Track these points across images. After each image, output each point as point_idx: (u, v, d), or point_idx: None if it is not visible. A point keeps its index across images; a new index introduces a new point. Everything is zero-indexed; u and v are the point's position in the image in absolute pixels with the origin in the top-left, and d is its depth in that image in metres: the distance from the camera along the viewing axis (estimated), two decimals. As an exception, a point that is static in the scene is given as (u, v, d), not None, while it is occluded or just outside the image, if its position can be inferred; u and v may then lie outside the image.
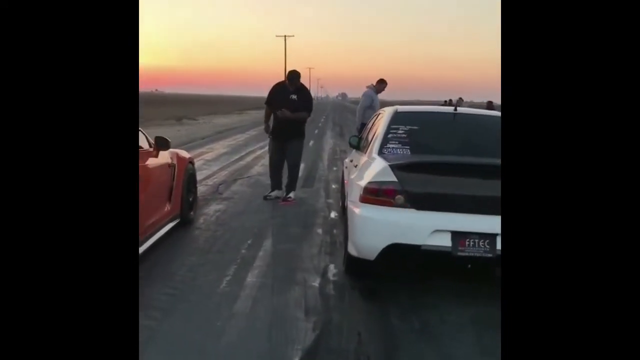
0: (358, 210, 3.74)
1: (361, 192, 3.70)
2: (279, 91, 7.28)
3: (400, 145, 4.11)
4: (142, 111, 23.10)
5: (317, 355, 3.02)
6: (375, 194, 3.60)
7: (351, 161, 5.28)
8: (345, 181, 5.90)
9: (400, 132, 4.21)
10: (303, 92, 7.27)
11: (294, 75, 7.21)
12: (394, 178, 3.56)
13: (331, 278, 4.26)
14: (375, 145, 4.19)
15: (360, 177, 3.98)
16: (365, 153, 4.49)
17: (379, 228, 3.59)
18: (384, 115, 4.55)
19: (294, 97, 7.12)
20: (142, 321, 3.32)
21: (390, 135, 4.18)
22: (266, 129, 7.58)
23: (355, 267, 4.03)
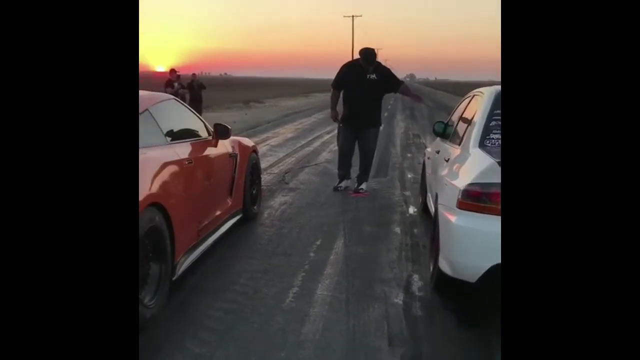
0: (455, 219, 2.99)
1: (459, 196, 2.94)
2: (351, 71, 6.41)
3: (507, 136, 3.32)
4: (212, 94, 23.10)
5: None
6: (478, 199, 2.83)
7: (437, 152, 4.50)
8: (428, 173, 5.16)
9: None
10: (381, 69, 6.40)
11: (369, 54, 6.29)
12: None
13: (417, 293, 3.57)
14: (474, 135, 3.38)
15: (455, 176, 3.22)
16: (459, 144, 3.70)
17: (483, 243, 2.81)
18: (482, 98, 3.72)
19: (372, 76, 6.26)
20: (192, 347, 2.79)
21: (493, 123, 3.37)
22: (334, 117, 6.74)
23: (448, 287, 3.29)
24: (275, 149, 10.41)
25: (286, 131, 14.21)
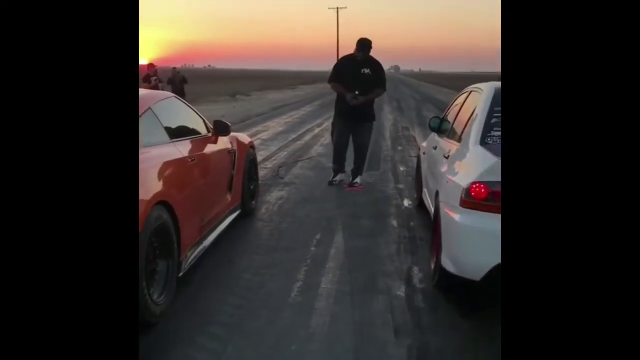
0: (458, 217, 3.02)
1: (462, 194, 2.97)
2: (347, 66, 6.50)
3: (509, 133, 3.37)
4: (196, 87, 22.94)
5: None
6: (482, 198, 2.87)
7: (434, 148, 4.57)
8: (423, 169, 5.24)
9: None
10: (374, 64, 6.48)
11: (366, 43, 6.37)
12: None
13: (418, 285, 3.66)
14: (474, 133, 3.43)
15: (457, 173, 3.27)
16: (458, 141, 3.76)
17: (487, 241, 2.82)
18: (481, 95, 3.79)
19: (366, 71, 6.34)
20: (204, 342, 2.86)
21: (494, 120, 3.43)
22: (341, 92, 6.41)
23: (450, 285, 3.32)
24: (267, 143, 10.44)
25: (276, 124, 14.23)
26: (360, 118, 6.47)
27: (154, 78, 13.97)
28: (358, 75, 6.34)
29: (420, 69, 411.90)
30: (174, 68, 16.06)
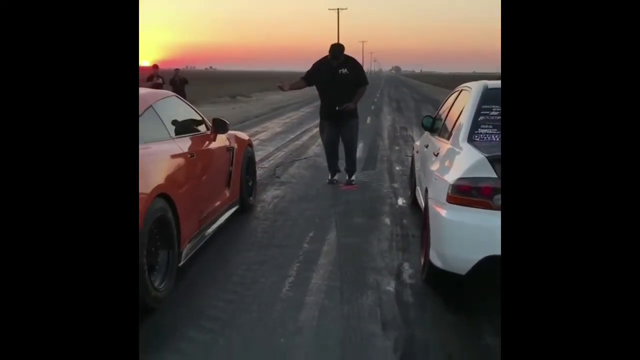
0: (445, 213, 3.08)
1: (449, 191, 3.03)
2: (323, 67, 6.58)
3: (495, 131, 3.44)
4: (197, 88, 22.98)
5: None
6: (468, 193, 2.93)
7: (426, 147, 4.64)
8: (417, 167, 5.31)
9: (494, 113, 3.52)
10: (352, 63, 6.59)
11: (338, 49, 6.46)
12: (492, 173, 2.87)
13: (407, 281, 3.74)
14: (463, 130, 3.51)
15: (445, 170, 3.34)
16: (447, 139, 3.84)
17: (473, 236, 2.91)
18: (470, 94, 3.86)
19: (344, 70, 6.43)
20: (196, 335, 2.94)
21: (481, 118, 3.51)
22: (282, 86, 6.92)
23: (438, 280, 3.39)
24: (265, 143, 10.52)
25: (275, 125, 14.32)
26: (345, 117, 6.57)
27: (156, 78, 14.33)
28: (335, 75, 6.43)
29: (421, 70, 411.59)
30: (176, 69, 16.26)
